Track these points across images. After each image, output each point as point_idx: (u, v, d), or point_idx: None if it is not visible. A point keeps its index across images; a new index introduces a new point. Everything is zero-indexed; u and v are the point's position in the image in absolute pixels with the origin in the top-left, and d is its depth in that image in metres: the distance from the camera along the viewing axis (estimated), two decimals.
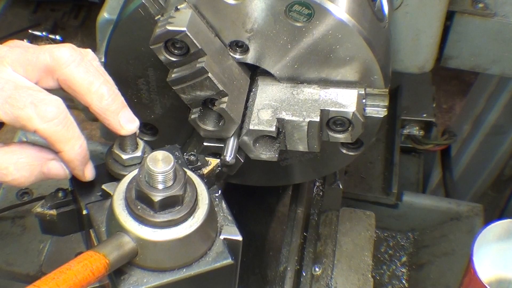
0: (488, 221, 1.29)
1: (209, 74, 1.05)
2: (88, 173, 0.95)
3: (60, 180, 0.96)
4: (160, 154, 0.86)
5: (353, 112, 1.10)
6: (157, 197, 0.85)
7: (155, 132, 1.26)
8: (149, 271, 0.88)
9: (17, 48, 0.93)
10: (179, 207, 0.87)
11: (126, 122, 0.94)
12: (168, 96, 1.18)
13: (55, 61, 0.91)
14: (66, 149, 0.90)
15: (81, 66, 0.92)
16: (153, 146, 1.00)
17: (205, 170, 1.01)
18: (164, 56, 1.06)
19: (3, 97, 0.88)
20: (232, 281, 0.95)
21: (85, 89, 0.92)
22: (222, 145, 1.13)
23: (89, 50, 0.97)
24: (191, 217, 0.88)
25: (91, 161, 0.96)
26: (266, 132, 1.10)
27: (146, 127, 1.24)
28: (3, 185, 1.47)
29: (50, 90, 0.91)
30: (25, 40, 1.04)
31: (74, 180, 0.98)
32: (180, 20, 1.03)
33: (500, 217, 1.32)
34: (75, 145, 0.91)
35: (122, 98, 0.94)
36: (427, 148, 1.83)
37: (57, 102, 0.89)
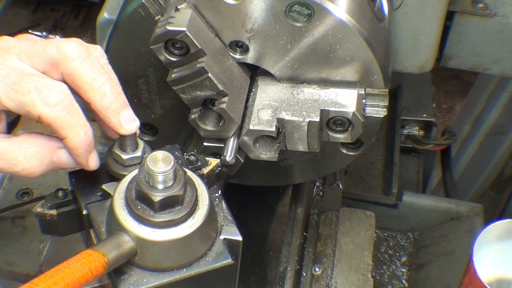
0: (488, 221, 1.29)
1: (209, 74, 1.05)
2: (92, 162, 0.94)
3: (60, 180, 0.96)
4: (160, 154, 0.86)
5: (353, 112, 1.10)
6: (157, 197, 0.85)
7: (155, 132, 1.26)
8: (149, 271, 0.88)
9: (26, 41, 0.93)
10: (179, 207, 0.87)
11: (127, 122, 0.94)
12: (168, 96, 1.18)
13: (61, 54, 0.91)
14: (70, 135, 0.90)
15: (87, 62, 0.91)
16: (153, 146, 1.00)
17: (205, 170, 1.01)
18: (164, 56, 1.06)
19: (8, 83, 0.88)
20: (232, 281, 0.95)
21: (88, 85, 0.91)
22: (222, 145, 1.13)
23: (98, 47, 0.97)
24: (191, 217, 0.88)
25: (96, 151, 0.95)
26: (266, 132, 1.10)
27: (146, 127, 1.24)
28: (3, 185, 1.47)
29: None
30: None
31: (75, 179, 0.98)
32: (180, 20, 1.03)
33: (500, 217, 1.32)
34: (79, 132, 0.90)
35: (124, 98, 0.94)
36: (427, 148, 1.83)
37: (62, 88, 0.89)
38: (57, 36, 1.09)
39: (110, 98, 0.92)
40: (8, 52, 0.91)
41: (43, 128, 0.94)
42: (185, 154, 1.01)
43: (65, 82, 0.92)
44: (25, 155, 0.90)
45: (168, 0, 1.07)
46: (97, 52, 0.96)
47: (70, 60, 0.91)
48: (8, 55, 0.91)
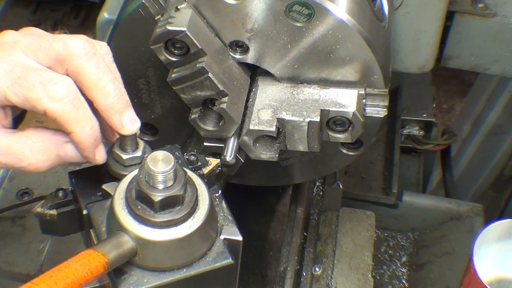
0: (488, 221, 1.29)
1: (209, 74, 1.05)
2: (99, 156, 0.94)
3: (60, 180, 0.96)
4: (160, 154, 0.86)
5: (353, 112, 1.10)
6: (157, 197, 0.85)
7: (155, 132, 1.26)
8: (149, 271, 0.88)
9: (31, 35, 0.92)
10: (179, 207, 0.87)
11: (128, 122, 0.94)
12: (168, 96, 1.18)
13: (67, 51, 0.90)
14: (76, 129, 0.89)
15: (92, 61, 0.91)
16: (153, 146, 1.00)
17: (205, 170, 1.01)
18: (164, 56, 1.06)
19: (13, 78, 0.88)
20: (232, 281, 0.95)
21: (92, 84, 0.91)
22: (222, 145, 1.13)
23: (104, 44, 0.96)
24: (191, 217, 0.88)
25: (103, 145, 0.94)
26: (266, 132, 1.10)
27: (146, 127, 1.24)
28: (3, 185, 1.47)
29: None
30: None
31: (75, 179, 0.98)
32: (180, 20, 1.03)
33: (500, 217, 1.32)
34: (85, 126, 0.90)
35: (127, 98, 0.94)
36: (427, 148, 1.83)
37: (67, 82, 0.89)
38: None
39: (114, 98, 0.92)
40: (12, 46, 0.91)
41: (48, 124, 0.94)
42: (185, 154, 1.00)
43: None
44: (31, 150, 0.90)
45: (168, 0, 1.07)
46: (103, 50, 0.95)
47: (76, 57, 0.90)
48: (13, 50, 0.90)
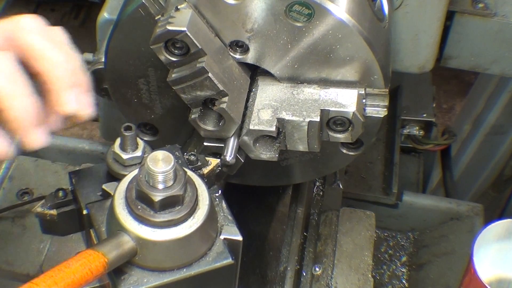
0: (488, 221, 1.29)
1: (209, 74, 1.05)
2: (35, 139, 0.85)
3: (60, 180, 0.96)
4: (160, 154, 0.86)
5: (353, 112, 1.10)
6: (157, 197, 0.85)
7: (155, 132, 1.26)
8: (149, 271, 0.88)
9: None
10: (179, 207, 0.87)
11: (72, 100, 0.85)
12: (168, 96, 1.18)
13: (19, 27, 0.86)
14: (10, 105, 0.83)
15: (44, 34, 0.86)
16: (153, 146, 1.00)
17: (205, 170, 1.01)
18: (164, 56, 1.06)
19: None
20: (232, 281, 0.95)
21: (41, 54, 0.85)
22: (222, 145, 1.13)
23: (58, 28, 0.90)
24: (191, 217, 0.88)
25: (44, 130, 0.86)
26: (266, 132, 1.10)
27: (146, 127, 1.24)
28: (3, 185, 1.47)
29: None
30: None
31: (75, 179, 0.98)
32: (180, 20, 1.03)
33: (500, 217, 1.32)
34: (21, 102, 0.83)
35: (84, 79, 0.88)
36: (427, 148, 1.83)
37: (2, 56, 0.83)
38: None
39: (63, 70, 0.85)
40: None
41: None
42: (185, 154, 1.01)
43: (20, 59, 0.86)
44: None
45: (168, 0, 1.07)
46: (57, 32, 0.90)
47: (26, 32, 0.86)
48: None
